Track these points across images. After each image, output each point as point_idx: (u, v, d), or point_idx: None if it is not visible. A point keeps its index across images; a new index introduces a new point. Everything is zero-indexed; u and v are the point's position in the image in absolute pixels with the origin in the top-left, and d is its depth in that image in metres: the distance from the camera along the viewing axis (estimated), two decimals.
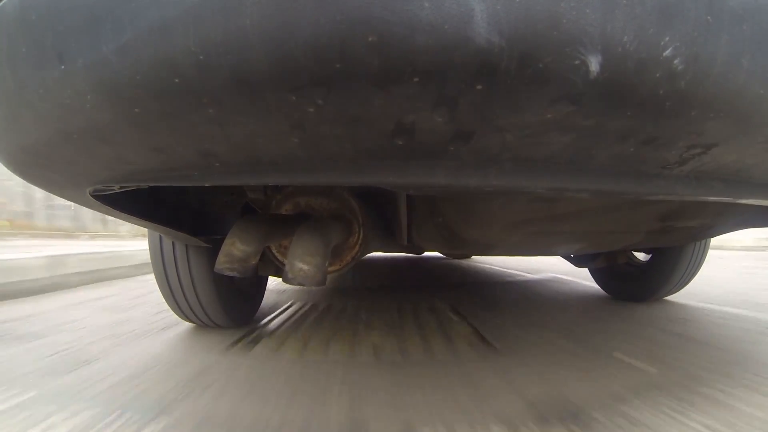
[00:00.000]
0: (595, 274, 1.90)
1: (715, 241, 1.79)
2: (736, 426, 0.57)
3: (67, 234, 5.31)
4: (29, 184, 0.62)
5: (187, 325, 1.20)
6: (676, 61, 0.29)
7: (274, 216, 0.84)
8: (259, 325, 1.21)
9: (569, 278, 2.31)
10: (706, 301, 1.63)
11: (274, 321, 1.27)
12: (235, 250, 0.68)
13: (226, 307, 1.09)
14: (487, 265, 3.19)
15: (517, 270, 2.77)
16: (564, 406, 0.65)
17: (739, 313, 1.38)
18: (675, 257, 1.49)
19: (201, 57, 0.28)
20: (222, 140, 0.36)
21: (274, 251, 0.98)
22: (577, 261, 1.77)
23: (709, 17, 0.28)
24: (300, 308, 1.45)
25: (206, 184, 0.44)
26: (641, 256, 1.73)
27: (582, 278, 2.24)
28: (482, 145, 0.35)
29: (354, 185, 0.68)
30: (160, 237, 1.03)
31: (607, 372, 0.80)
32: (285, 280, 0.66)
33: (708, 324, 1.22)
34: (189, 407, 0.65)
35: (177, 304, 1.09)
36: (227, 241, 0.69)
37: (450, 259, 3.81)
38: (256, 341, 1.04)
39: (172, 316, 1.22)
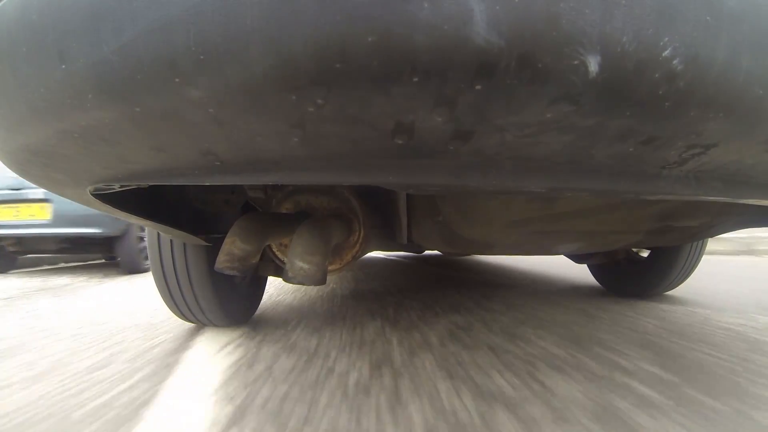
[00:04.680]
0: (593, 270, 1.90)
1: None
2: None
3: None
4: None
5: None
6: (675, 62, 0.29)
7: (275, 215, 0.84)
8: None
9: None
10: None
11: None
12: (236, 248, 0.68)
13: (224, 307, 1.10)
14: None
15: None
16: None
17: None
18: (673, 253, 1.50)
19: (201, 57, 0.28)
20: (222, 139, 0.36)
21: (275, 250, 0.98)
22: (577, 257, 1.78)
23: (708, 17, 0.28)
24: None
25: (206, 183, 0.44)
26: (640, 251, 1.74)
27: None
28: (482, 144, 0.35)
29: (354, 184, 0.68)
30: (159, 238, 1.03)
31: None
32: (285, 279, 0.66)
33: None
34: None
35: (175, 304, 1.10)
36: (227, 240, 0.69)
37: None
38: None
39: None
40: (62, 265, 4.44)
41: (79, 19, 0.30)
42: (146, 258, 3.45)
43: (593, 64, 0.28)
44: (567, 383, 0.76)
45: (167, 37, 0.28)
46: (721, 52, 0.29)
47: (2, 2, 0.34)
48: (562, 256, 2.08)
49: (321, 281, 0.65)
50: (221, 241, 0.71)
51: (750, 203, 0.52)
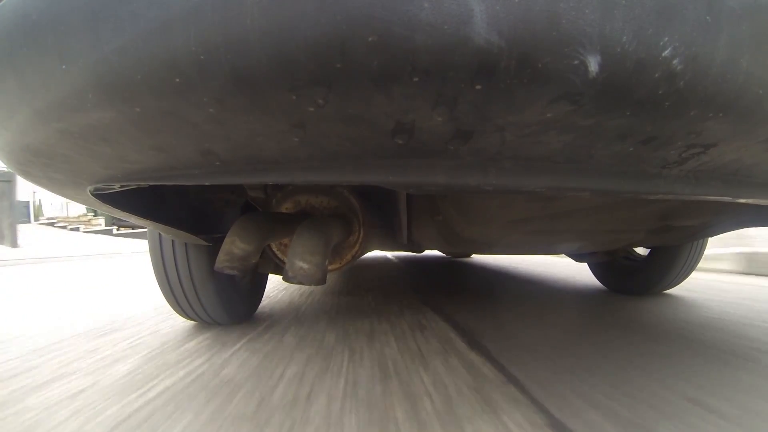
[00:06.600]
0: (593, 268, 1.90)
1: None
2: None
3: None
4: None
5: None
6: (675, 61, 0.29)
7: (275, 214, 0.84)
8: None
9: None
10: None
11: None
12: (236, 248, 0.68)
13: (225, 306, 1.10)
14: None
15: None
16: None
17: None
18: (673, 251, 1.50)
19: (202, 57, 0.28)
20: (223, 139, 0.36)
21: (275, 249, 0.98)
22: (576, 255, 1.78)
23: (708, 17, 0.28)
24: None
25: (207, 183, 0.44)
26: (640, 250, 1.74)
27: None
28: (481, 144, 0.35)
29: (354, 184, 0.68)
30: (160, 236, 1.03)
31: None
32: (285, 279, 0.66)
33: None
34: None
35: (177, 302, 1.10)
36: (227, 240, 0.69)
37: None
38: None
39: None
40: None
41: (79, 19, 0.30)
42: None
43: (593, 64, 0.28)
44: None
45: (167, 37, 0.28)
46: (721, 51, 0.29)
47: (2, 2, 0.34)
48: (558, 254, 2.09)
49: (321, 281, 0.66)
50: (222, 240, 0.71)
51: (749, 203, 0.52)
